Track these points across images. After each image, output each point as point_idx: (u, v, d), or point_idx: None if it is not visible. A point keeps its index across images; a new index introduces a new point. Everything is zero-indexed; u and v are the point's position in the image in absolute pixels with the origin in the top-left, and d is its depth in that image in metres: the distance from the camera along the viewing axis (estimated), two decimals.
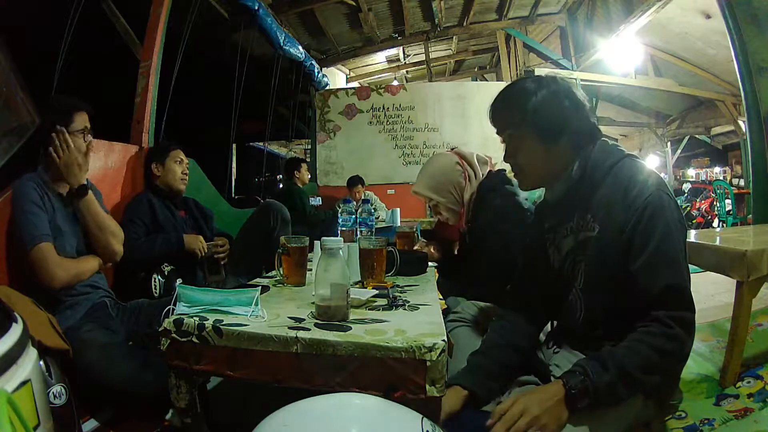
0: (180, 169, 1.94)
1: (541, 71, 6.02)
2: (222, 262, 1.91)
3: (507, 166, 1.40)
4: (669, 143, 10.00)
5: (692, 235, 1.83)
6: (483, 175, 1.60)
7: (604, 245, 0.93)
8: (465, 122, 5.61)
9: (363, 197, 4.55)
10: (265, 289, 1.21)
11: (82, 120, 1.48)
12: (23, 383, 0.58)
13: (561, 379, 0.84)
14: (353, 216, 1.64)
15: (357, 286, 1.28)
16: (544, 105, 0.97)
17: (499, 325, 1.11)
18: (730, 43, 2.90)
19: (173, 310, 0.96)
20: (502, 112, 1.04)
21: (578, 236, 0.99)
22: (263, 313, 0.96)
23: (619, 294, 0.91)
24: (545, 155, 0.99)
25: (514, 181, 1.50)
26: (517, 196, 1.52)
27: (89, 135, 1.50)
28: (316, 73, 5.69)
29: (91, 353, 1.16)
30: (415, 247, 1.79)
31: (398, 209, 3.84)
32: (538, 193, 1.23)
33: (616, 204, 0.91)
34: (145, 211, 1.82)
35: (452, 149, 1.66)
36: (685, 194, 8.48)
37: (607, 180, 0.94)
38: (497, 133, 1.07)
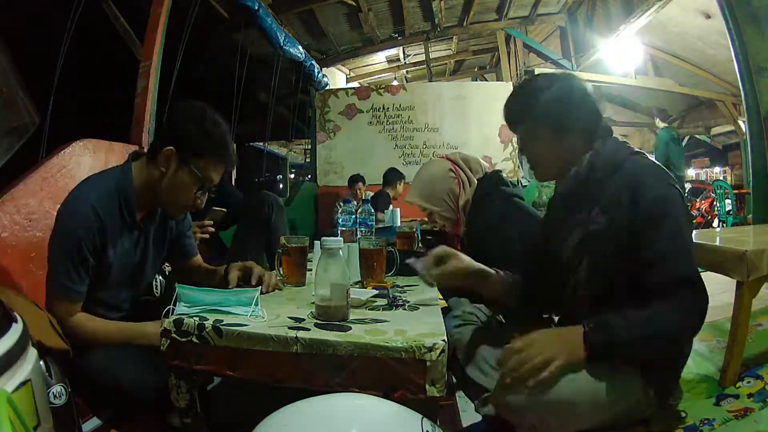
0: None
1: (541, 71, 6.02)
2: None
3: (507, 166, 1.38)
4: None
5: (692, 235, 1.82)
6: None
7: (610, 239, 0.95)
8: (465, 122, 5.61)
9: (363, 196, 4.55)
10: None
11: (215, 170, 1.15)
12: (23, 383, 0.58)
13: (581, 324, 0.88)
14: (353, 216, 1.64)
15: (357, 286, 1.28)
16: (556, 99, 1.01)
17: None
18: (730, 43, 2.89)
19: (173, 310, 0.96)
20: (516, 107, 1.08)
21: (586, 229, 1.00)
22: (263, 313, 0.96)
23: (624, 287, 0.93)
24: (557, 148, 1.03)
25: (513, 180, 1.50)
26: (514, 196, 1.52)
27: (207, 193, 1.18)
28: (316, 73, 5.69)
29: (96, 355, 1.15)
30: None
31: (398, 209, 3.84)
32: (537, 193, 1.24)
33: (623, 199, 0.93)
34: None
35: (445, 156, 1.64)
36: (685, 194, 8.48)
37: (616, 176, 0.97)
38: (511, 128, 1.10)
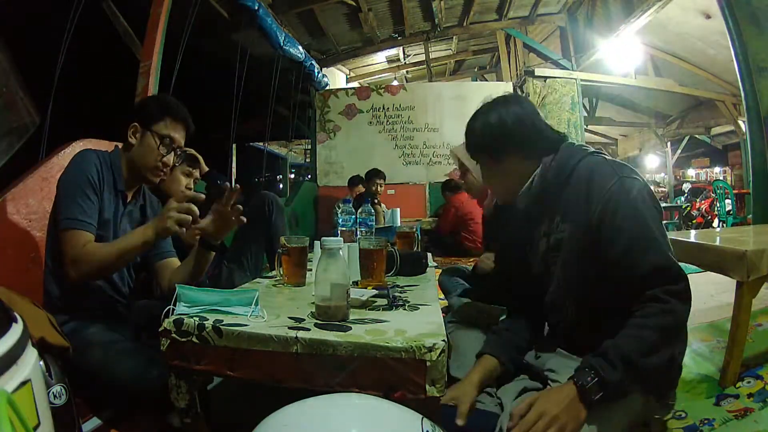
0: (186, 182, 1.84)
1: (541, 71, 6.03)
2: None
3: None
4: (669, 143, 9.99)
5: (692, 235, 1.83)
6: None
7: (575, 244, 0.95)
8: (465, 122, 5.52)
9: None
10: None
11: (173, 129, 1.30)
12: (23, 383, 0.58)
13: (572, 379, 0.85)
14: (353, 216, 1.64)
15: (357, 286, 1.28)
16: (481, 129, 1.07)
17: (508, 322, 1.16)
18: (730, 43, 2.90)
19: (173, 310, 0.96)
20: (467, 145, 1.15)
21: (550, 239, 1.02)
22: (263, 313, 0.96)
23: (602, 288, 0.93)
24: (500, 173, 1.07)
25: None
26: None
27: (175, 155, 1.32)
28: (316, 73, 5.69)
29: (94, 352, 1.15)
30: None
31: (398, 209, 3.84)
32: None
33: (579, 201, 0.94)
34: None
35: None
36: (685, 194, 8.49)
37: (571, 180, 0.98)
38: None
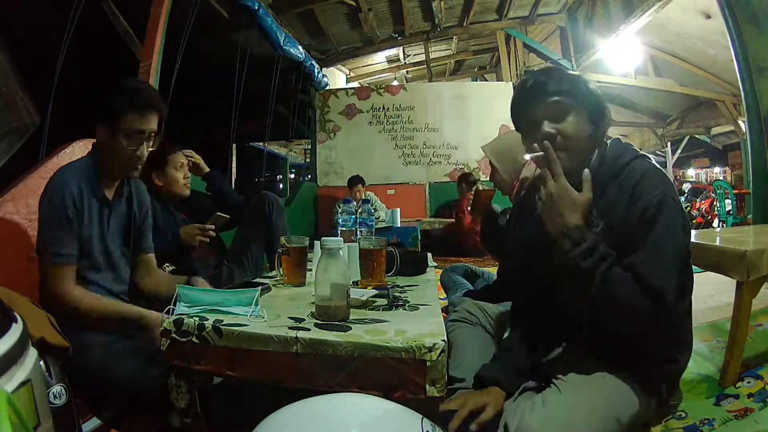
0: (181, 174, 1.87)
1: None
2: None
3: None
4: (669, 143, 10.00)
5: (692, 235, 1.82)
6: None
7: (606, 242, 0.92)
8: (465, 122, 5.61)
9: (363, 197, 4.55)
10: (265, 290, 1.20)
11: (140, 121, 1.25)
12: (23, 383, 0.58)
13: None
14: (353, 216, 1.64)
15: (357, 286, 1.28)
16: (594, 90, 0.99)
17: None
18: (730, 43, 2.90)
19: (173, 310, 0.96)
20: (560, 80, 0.97)
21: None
22: (263, 313, 0.96)
23: None
24: (589, 136, 0.97)
25: None
26: None
27: (148, 142, 1.28)
28: (316, 73, 5.68)
29: (94, 352, 1.16)
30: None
31: (398, 209, 3.84)
32: None
33: (622, 201, 0.92)
34: None
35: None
36: (685, 194, 8.48)
37: (618, 178, 0.95)
38: (542, 99, 0.97)
